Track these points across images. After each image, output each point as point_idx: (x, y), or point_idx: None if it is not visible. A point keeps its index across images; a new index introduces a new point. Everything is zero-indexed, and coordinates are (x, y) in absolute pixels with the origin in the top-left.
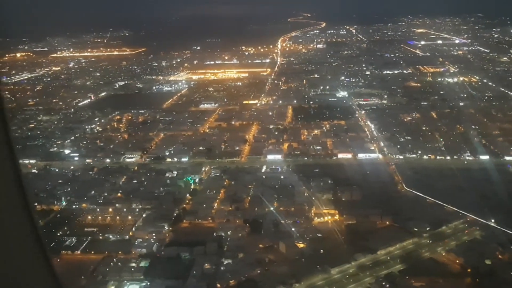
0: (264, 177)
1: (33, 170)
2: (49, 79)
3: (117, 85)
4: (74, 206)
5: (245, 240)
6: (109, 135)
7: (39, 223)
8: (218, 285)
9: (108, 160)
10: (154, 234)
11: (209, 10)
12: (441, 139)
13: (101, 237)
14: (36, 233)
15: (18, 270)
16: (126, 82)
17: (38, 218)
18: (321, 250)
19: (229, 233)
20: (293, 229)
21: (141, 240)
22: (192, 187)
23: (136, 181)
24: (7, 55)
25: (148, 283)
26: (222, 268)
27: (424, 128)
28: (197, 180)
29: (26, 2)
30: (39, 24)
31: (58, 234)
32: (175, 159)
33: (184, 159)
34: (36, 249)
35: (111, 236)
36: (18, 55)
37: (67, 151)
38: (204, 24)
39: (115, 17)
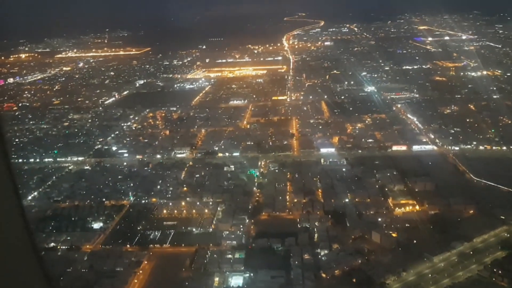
0: (326, 169)
1: (86, 167)
2: (63, 78)
3: (137, 84)
4: (143, 201)
5: (332, 231)
6: (152, 131)
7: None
8: (323, 275)
9: (159, 156)
10: (239, 226)
11: (199, 11)
12: (492, 130)
13: (184, 230)
14: (28, 232)
15: (12, 268)
16: (145, 80)
17: (111, 213)
18: (415, 239)
19: (316, 224)
20: (379, 219)
21: (227, 232)
22: (255, 180)
23: (198, 175)
24: (11, 56)
25: (252, 274)
26: (323, 258)
27: (468, 120)
28: (258, 174)
29: (18, 4)
30: (33, 26)
31: (138, 228)
32: (227, 154)
33: (236, 154)
34: (28, 248)
35: (194, 229)
36: (23, 56)
37: (114, 148)
38: (200, 24)
39: (108, 18)
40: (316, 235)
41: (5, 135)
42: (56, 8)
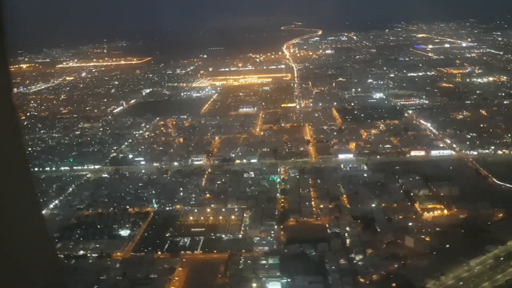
0: (348, 175)
1: (104, 175)
2: (68, 88)
3: (144, 93)
4: (167, 208)
5: (364, 236)
6: (165, 139)
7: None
8: (361, 280)
9: (176, 163)
10: (269, 232)
11: (196, 22)
12: (509, 135)
13: (213, 237)
14: (44, 231)
15: (30, 268)
16: (151, 89)
17: (136, 220)
18: (447, 244)
19: (347, 229)
20: (409, 224)
21: (257, 238)
22: (277, 186)
23: (219, 182)
24: (13, 67)
25: (288, 280)
26: (359, 263)
27: (482, 125)
28: (279, 180)
29: (13, 15)
30: (29, 36)
31: (167, 235)
32: (244, 161)
33: (253, 160)
34: (48, 255)
35: (223, 236)
36: (24, 66)
37: (130, 156)
38: (198, 34)
39: (104, 29)
40: (347, 240)
41: (25, 144)
42: (51, 19)
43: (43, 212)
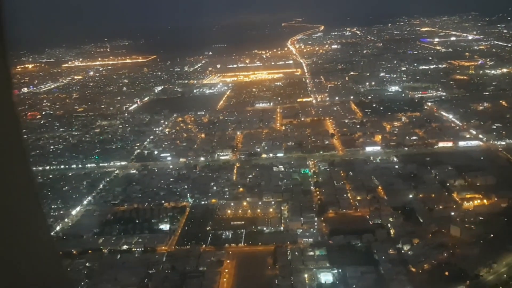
0: (379, 167)
1: (133, 171)
2: (78, 87)
3: (156, 90)
4: (202, 202)
5: (408, 226)
6: (187, 135)
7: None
8: (413, 269)
9: (202, 159)
10: (311, 224)
11: (195, 20)
12: None
13: (255, 230)
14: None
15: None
16: (163, 86)
17: (174, 214)
18: (492, 232)
19: (390, 219)
20: (451, 213)
21: (300, 230)
22: (310, 179)
23: (251, 176)
24: (18, 67)
25: (340, 270)
26: (409, 253)
27: (506, 116)
28: (311, 173)
29: (13, 16)
30: (30, 36)
31: (207, 228)
32: (271, 155)
33: (280, 154)
34: (48, 247)
35: (264, 228)
36: (30, 66)
37: (155, 152)
38: (199, 32)
39: (103, 28)
40: (391, 231)
41: (26, 143)
42: (50, 19)
43: (78, 208)
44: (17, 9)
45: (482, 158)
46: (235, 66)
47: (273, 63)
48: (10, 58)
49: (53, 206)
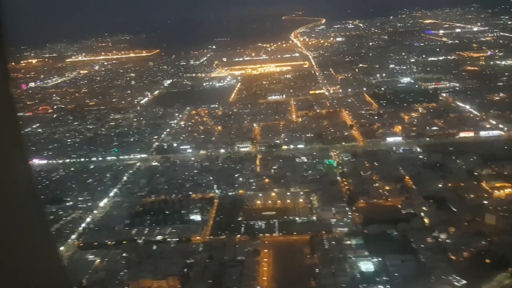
0: (404, 157)
1: (154, 163)
2: (85, 81)
3: (165, 84)
4: (229, 193)
5: (441, 215)
6: (204, 128)
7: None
8: (453, 257)
9: (223, 151)
10: (344, 214)
11: (195, 14)
12: None
13: (287, 220)
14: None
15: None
16: (172, 80)
17: (203, 205)
18: None
19: (424, 208)
20: (484, 202)
21: (334, 220)
22: (335, 170)
23: (275, 167)
24: (22, 62)
25: (380, 259)
26: (447, 241)
27: None
28: (335, 164)
29: (13, 11)
30: (30, 32)
31: (239, 219)
32: (291, 146)
33: (300, 146)
34: (46, 244)
35: (297, 218)
36: (33, 61)
37: (175, 144)
38: (199, 26)
39: (101, 22)
40: (426, 219)
41: (24, 140)
42: (48, 14)
43: (106, 200)
44: (16, 4)
45: (506, 147)
46: (241, 59)
47: (279, 56)
48: (8, 53)
49: (80, 198)
